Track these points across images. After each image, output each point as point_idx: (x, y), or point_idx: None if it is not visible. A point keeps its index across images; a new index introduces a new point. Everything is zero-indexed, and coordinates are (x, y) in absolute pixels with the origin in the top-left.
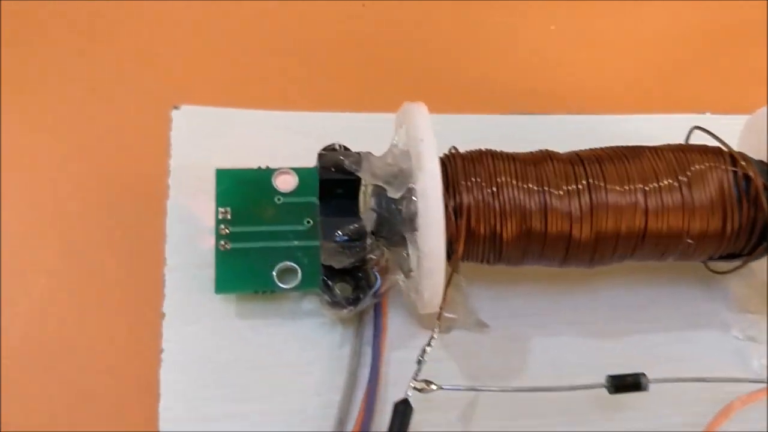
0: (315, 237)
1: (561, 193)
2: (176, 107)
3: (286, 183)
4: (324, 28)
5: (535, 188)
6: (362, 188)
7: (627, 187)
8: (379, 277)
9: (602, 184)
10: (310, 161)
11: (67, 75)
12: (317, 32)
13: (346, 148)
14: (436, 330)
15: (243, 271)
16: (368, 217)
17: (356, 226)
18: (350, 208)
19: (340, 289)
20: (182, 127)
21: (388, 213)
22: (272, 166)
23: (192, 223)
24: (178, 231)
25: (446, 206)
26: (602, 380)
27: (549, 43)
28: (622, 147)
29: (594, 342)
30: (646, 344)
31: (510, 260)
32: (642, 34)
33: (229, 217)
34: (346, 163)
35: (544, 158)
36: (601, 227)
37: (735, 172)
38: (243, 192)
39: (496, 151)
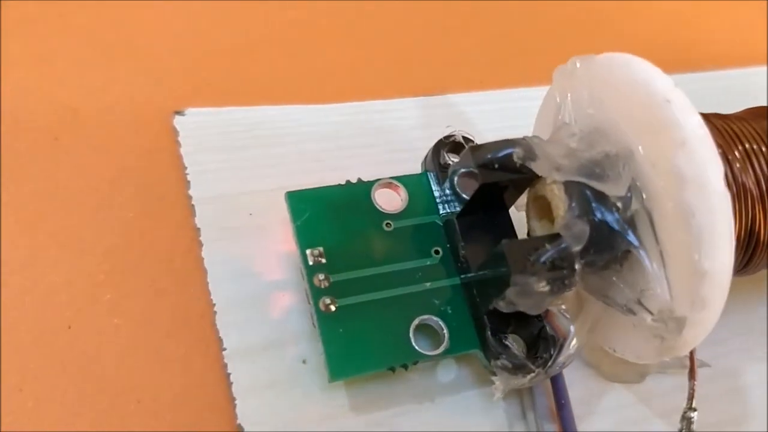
0: (452, 272)
1: None
2: (179, 112)
3: (391, 200)
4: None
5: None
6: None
7: None
8: (568, 320)
9: None
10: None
11: None
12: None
13: (467, 139)
14: (693, 381)
15: (364, 340)
16: (577, 231)
17: (562, 246)
18: (499, 227)
19: (516, 345)
20: (191, 136)
21: (599, 222)
22: (340, 177)
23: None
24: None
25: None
26: None
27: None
28: None
29: None
30: None
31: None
32: None
33: (323, 260)
34: (518, 154)
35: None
36: None
37: None
38: (334, 221)
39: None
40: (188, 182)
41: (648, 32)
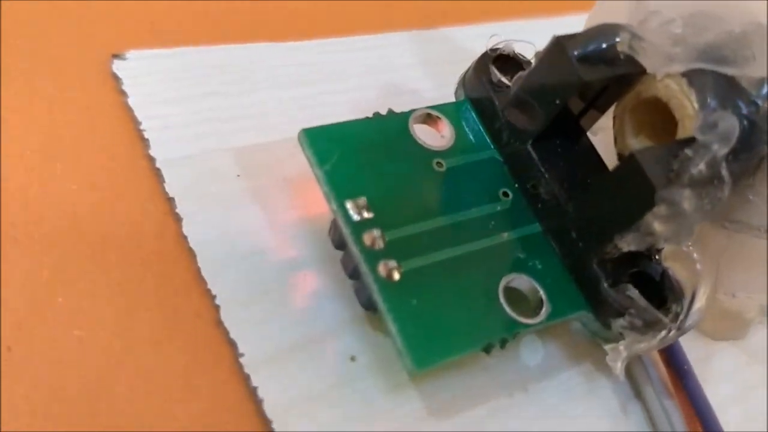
0: (530, 217)
1: None
2: (118, 56)
3: (433, 134)
4: None
5: None
6: None
7: None
8: (694, 259)
9: None
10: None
11: None
12: None
13: (521, 56)
14: None
15: (445, 314)
16: (724, 127)
17: (712, 147)
18: (581, 155)
19: (637, 296)
20: (137, 84)
21: (745, 119)
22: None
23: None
24: (228, 280)
25: None
26: None
27: None
28: None
29: None
30: None
31: None
32: None
33: (370, 214)
34: (624, 41)
35: None
36: None
37: None
38: (371, 163)
39: None
40: (146, 141)
41: None
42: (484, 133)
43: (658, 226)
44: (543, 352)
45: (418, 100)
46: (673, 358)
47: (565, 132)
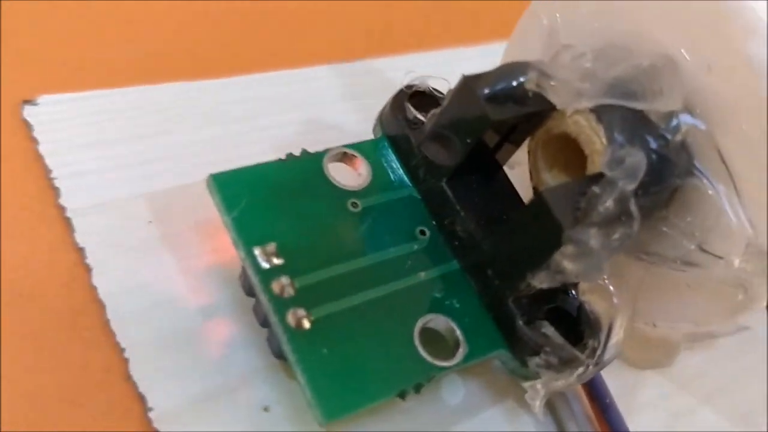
0: (448, 255)
1: None
2: (29, 102)
3: (350, 173)
4: None
5: None
6: None
7: None
8: (611, 292)
9: None
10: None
11: None
12: None
13: (436, 91)
14: None
15: (357, 361)
16: (630, 163)
17: (617, 184)
18: (497, 190)
19: (553, 333)
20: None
21: (647, 153)
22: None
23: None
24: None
25: None
26: None
27: None
28: None
29: None
30: None
31: None
32: None
33: (280, 260)
34: (532, 80)
35: None
36: None
37: None
38: (282, 206)
39: None
40: (56, 189)
41: None
42: (402, 171)
43: (567, 265)
44: (464, 391)
45: (340, 136)
46: (595, 391)
47: (481, 167)
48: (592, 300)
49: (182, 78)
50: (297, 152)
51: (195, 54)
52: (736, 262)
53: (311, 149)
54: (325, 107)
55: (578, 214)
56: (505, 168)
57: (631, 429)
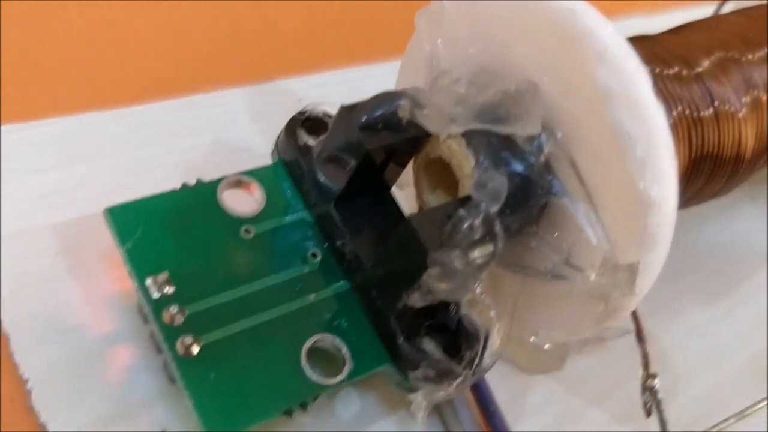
0: (338, 276)
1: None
2: None
3: (243, 201)
4: None
5: (686, 73)
6: None
7: (758, 54)
8: (488, 305)
9: (736, 55)
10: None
11: None
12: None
13: (327, 114)
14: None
15: (244, 383)
16: (493, 186)
17: (480, 207)
18: (385, 211)
19: (432, 348)
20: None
21: (512, 175)
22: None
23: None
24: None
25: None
26: None
27: None
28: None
29: None
30: None
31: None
32: None
33: (171, 289)
34: (404, 108)
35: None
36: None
37: None
38: (176, 236)
39: None
40: None
41: None
42: (296, 195)
43: (435, 285)
44: (359, 404)
45: (248, 158)
46: (481, 398)
47: (369, 189)
48: (472, 314)
49: (89, 108)
50: (205, 177)
51: (104, 83)
52: (593, 276)
53: (220, 172)
54: (235, 130)
55: (444, 238)
56: (396, 188)
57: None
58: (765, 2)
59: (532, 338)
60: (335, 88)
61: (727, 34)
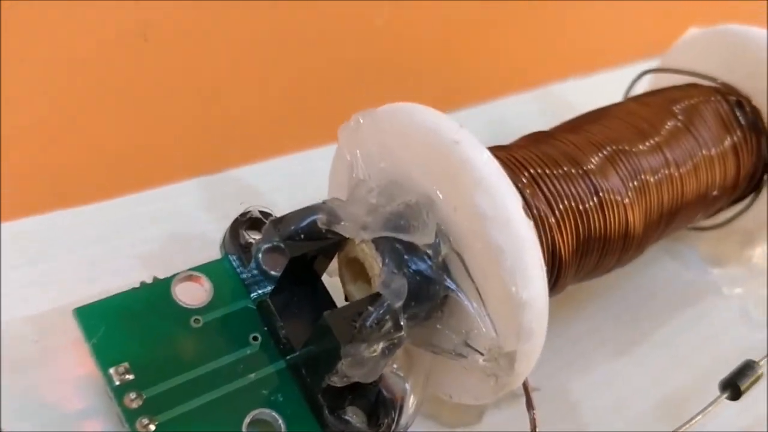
0: (275, 356)
1: (603, 167)
2: None
3: (195, 293)
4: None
5: (574, 171)
6: None
7: (648, 143)
8: (401, 378)
9: (626, 147)
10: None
11: None
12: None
13: (265, 213)
14: (533, 411)
15: None
16: (396, 286)
17: (385, 304)
18: (317, 298)
19: (356, 417)
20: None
21: (414, 273)
22: (130, 280)
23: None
24: None
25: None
26: None
27: None
28: (596, 110)
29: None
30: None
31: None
32: None
33: (130, 377)
34: (321, 220)
35: (543, 139)
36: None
37: (726, 100)
38: (135, 330)
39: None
40: None
41: (422, 74)
42: (239, 286)
43: (349, 371)
44: None
45: (203, 245)
46: None
47: (302, 279)
48: (388, 386)
49: (54, 207)
50: (163, 265)
51: (66, 181)
52: (480, 361)
53: (177, 261)
54: (192, 220)
55: (355, 332)
56: (326, 276)
57: None
58: (663, 88)
59: (448, 400)
60: (284, 173)
61: (622, 126)
